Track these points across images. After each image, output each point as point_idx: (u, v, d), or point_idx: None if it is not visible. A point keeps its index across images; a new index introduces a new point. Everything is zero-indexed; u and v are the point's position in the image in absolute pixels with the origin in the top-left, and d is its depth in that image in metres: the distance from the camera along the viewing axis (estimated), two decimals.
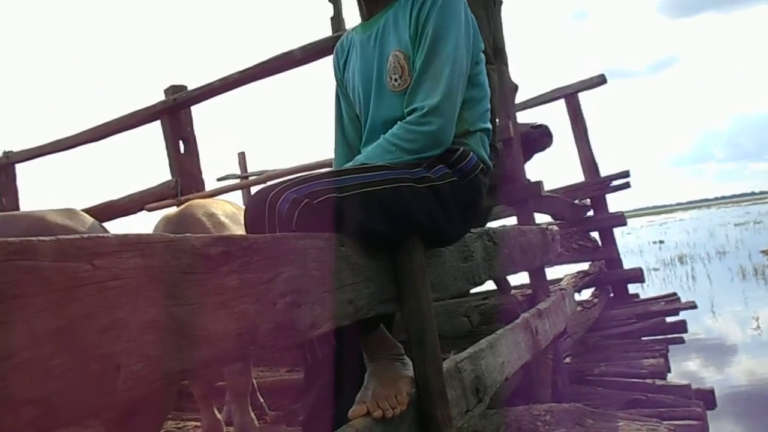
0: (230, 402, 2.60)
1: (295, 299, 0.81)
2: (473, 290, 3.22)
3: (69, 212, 2.72)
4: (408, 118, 1.20)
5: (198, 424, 2.64)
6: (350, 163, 1.20)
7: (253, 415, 2.33)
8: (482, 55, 1.35)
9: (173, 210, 2.57)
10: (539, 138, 3.27)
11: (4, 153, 4.59)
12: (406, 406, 1.07)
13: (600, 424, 1.91)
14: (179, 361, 0.59)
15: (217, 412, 2.40)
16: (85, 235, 0.52)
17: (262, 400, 2.88)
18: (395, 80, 1.29)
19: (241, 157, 7.07)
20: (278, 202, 1.00)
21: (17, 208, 4.54)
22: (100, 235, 0.54)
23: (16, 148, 4.62)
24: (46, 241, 0.50)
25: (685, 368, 3.92)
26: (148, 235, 0.61)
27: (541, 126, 3.33)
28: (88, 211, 4.08)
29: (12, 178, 4.64)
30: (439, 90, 1.19)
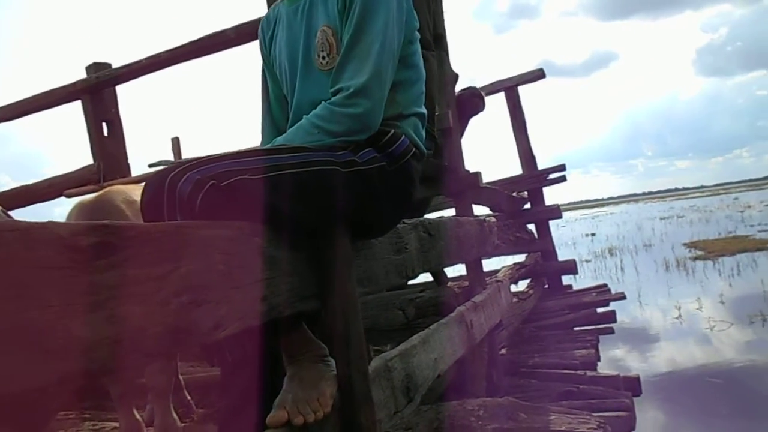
0: (152, 401, 2.45)
1: (195, 298, 0.70)
2: (411, 282, 3.19)
3: None
4: (333, 99, 1.10)
5: (117, 425, 2.47)
6: (268, 145, 1.09)
7: (175, 415, 2.19)
8: (417, 34, 1.26)
9: (90, 196, 2.37)
10: (469, 100, 3.23)
11: None
12: (329, 409, 0.99)
13: (533, 418, 1.90)
14: (30, 377, 0.48)
15: (136, 413, 2.24)
16: None
17: (189, 397, 2.73)
18: (323, 58, 1.19)
19: (175, 142, 6.75)
20: (179, 183, 0.87)
21: None
22: None
23: None
24: None
25: (614, 357, 4.04)
26: None
27: (468, 88, 3.29)
28: (1, 196, 3.77)
29: None
30: (366, 69, 1.10)
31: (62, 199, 3.66)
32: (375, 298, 2.53)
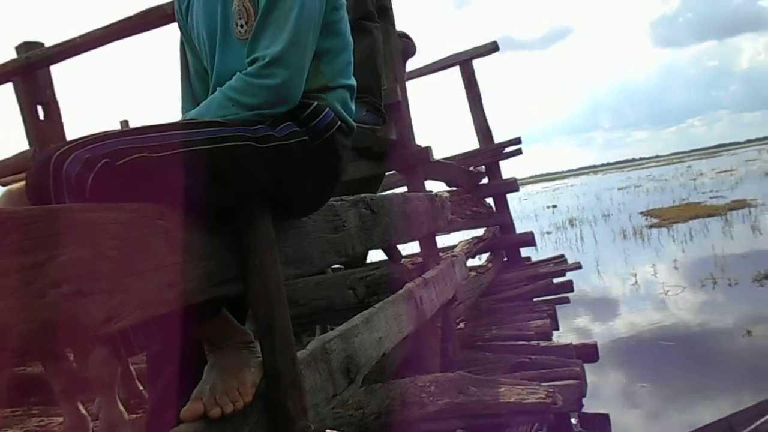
0: (98, 394, 2.37)
1: (79, 288, 0.64)
2: (367, 260, 3.15)
3: None
4: (248, 69, 1.02)
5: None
6: (177, 120, 1.01)
7: (122, 407, 2.12)
8: (342, 1, 1.20)
9: (20, 184, 2.24)
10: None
11: None
12: (251, 398, 0.94)
13: (483, 390, 1.90)
14: None
15: (81, 407, 2.16)
16: None
17: (141, 387, 2.65)
18: (241, 26, 1.11)
19: (124, 125, 6.52)
20: (65, 163, 0.79)
21: None
22: None
23: None
24: None
25: (574, 326, 4.13)
26: None
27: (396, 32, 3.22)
28: None
29: None
30: (283, 37, 1.02)
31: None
32: (329, 278, 2.49)
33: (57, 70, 3.51)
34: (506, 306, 3.76)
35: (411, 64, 4.10)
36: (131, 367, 2.55)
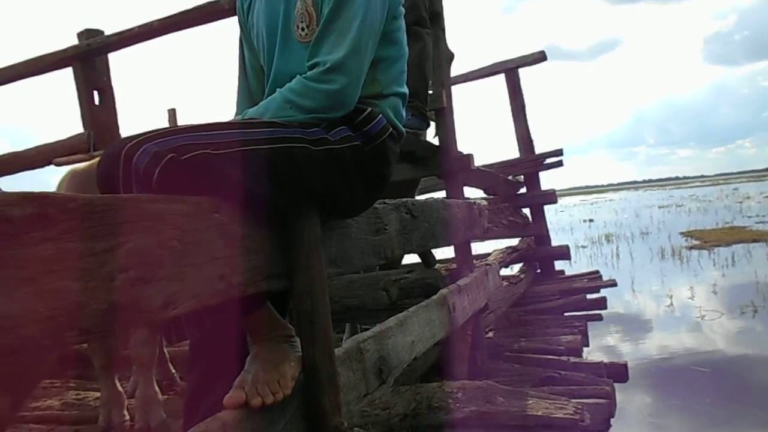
0: (135, 372, 2.45)
1: (142, 274, 0.68)
2: (403, 261, 3.17)
3: None
4: (308, 73, 1.06)
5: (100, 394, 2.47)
6: (238, 117, 1.05)
7: (157, 387, 2.19)
8: (402, 9, 1.22)
9: (83, 164, 2.34)
10: None
11: None
12: (290, 391, 0.97)
13: (510, 401, 1.89)
14: None
15: (118, 383, 2.25)
16: None
17: (174, 370, 2.73)
18: (302, 29, 1.14)
19: (172, 113, 6.66)
20: (135, 155, 0.83)
21: None
22: None
23: None
24: None
25: (604, 343, 4.05)
26: None
27: None
28: None
29: None
30: (345, 44, 1.05)
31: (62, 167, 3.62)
32: (363, 278, 2.52)
33: (113, 58, 3.63)
34: (537, 318, 3.73)
35: (455, 69, 4.11)
36: (165, 350, 2.63)
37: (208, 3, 3.06)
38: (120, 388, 2.22)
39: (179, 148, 0.84)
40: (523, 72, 5.44)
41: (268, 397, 0.92)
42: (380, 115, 1.14)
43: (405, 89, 1.24)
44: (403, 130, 1.22)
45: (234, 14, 3.33)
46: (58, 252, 0.58)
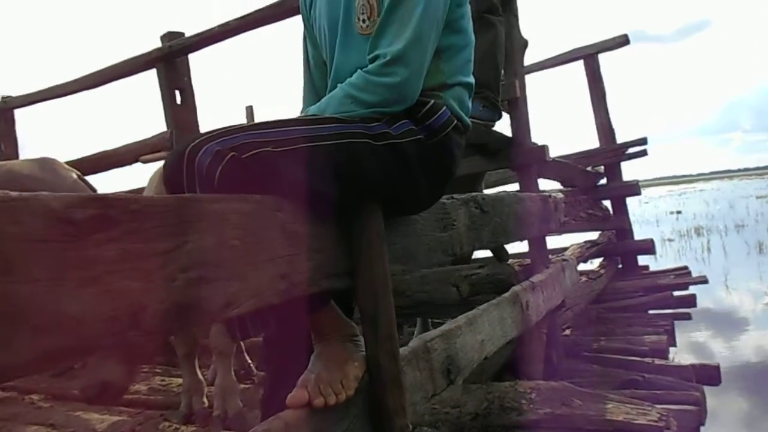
0: (215, 362, 2.55)
1: (204, 274, 0.68)
2: (474, 255, 3.10)
3: (41, 162, 2.62)
4: (369, 67, 1.03)
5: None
6: (299, 114, 1.05)
7: (234, 377, 2.27)
8: None
9: None
10: None
11: (3, 98, 4.49)
12: (353, 391, 0.96)
13: (588, 405, 1.80)
14: (6, 354, 0.47)
15: (199, 372, 2.34)
16: None
17: (250, 361, 2.82)
18: (363, 21, 1.12)
19: (249, 111, 6.88)
20: (198, 155, 0.84)
21: (16, 154, 4.47)
22: None
23: (14, 94, 4.52)
24: None
25: (694, 343, 3.81)
26: None
27: None
28: (82, 161, 4.01)
29: (11, 123, 4.56)
30: (406, 35, 1.02)
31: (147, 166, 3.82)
32: (434, 272, 2.48)
33: (193, 58, 3.79)
34: (618, 316, 3.54)
35: (529, 58, 3.96)
36: (242, 341, 2.71)
37: (281, 1, 3.11)
38: (201, 376, 2.32)
39: (240, 146, 0.84)
40: (603, 57, 5.18)
41: (331, 397, 0.91)
42: (444, 108, 1.10)
43: (471, 79, 1.19)
44: (469, 122, 1.17)
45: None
46: (121, 253, 0.59)
